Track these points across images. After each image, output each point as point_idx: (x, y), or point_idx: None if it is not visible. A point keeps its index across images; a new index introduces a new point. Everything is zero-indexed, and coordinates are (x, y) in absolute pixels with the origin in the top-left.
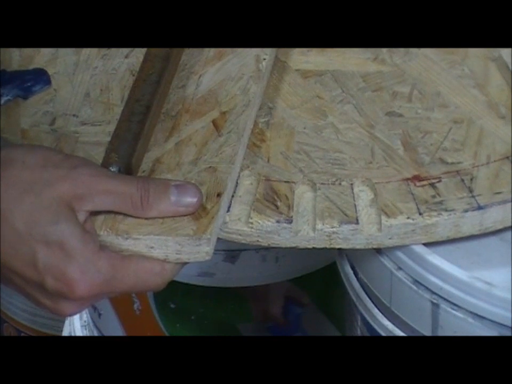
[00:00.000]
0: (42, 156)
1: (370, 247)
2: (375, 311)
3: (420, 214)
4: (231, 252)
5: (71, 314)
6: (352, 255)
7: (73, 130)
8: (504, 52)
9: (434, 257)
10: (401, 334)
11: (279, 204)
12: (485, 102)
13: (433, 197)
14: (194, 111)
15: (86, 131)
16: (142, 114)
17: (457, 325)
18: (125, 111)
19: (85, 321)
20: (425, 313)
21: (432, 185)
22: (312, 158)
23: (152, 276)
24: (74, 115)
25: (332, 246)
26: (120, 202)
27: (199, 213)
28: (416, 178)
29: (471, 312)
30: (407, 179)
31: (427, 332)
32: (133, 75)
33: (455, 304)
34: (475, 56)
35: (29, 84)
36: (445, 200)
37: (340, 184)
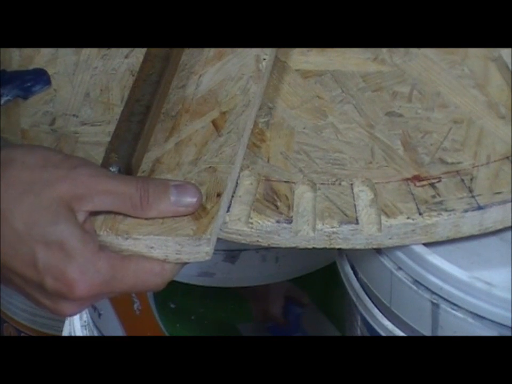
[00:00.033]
0: (42, 156)
1: (370, 247)
2: (375, 311)
3: (420, 214)
4: (231, 252)
5: (71, 315)
6: (352, 255)
7: (73, 131)
8: (504, 52)
9: (434, 257)
10: (401, 334)
11: (279, 204)
12: (485, 102)
13: (433, 197)
14: (194, 111)
15: (86, 131)
16: (142, 114)
17: (457, 325)
18: (125, 111)
19: (85, 321)
20: (425, 313)
21: (432, 185)
22: (312, 158)
23: (152, 276)
24: (74, 115)
25: (332, 246)
26: (119, 203)
27: (199, 213)
28: (416, 178)
29: (471, 312)
30: (407, 179)
31: (427, 332)
32: (133, 75)
33: (455, 304)
34: (475, 56)
35: (29, 84)
36: (445, 200)
37: (340, 184)
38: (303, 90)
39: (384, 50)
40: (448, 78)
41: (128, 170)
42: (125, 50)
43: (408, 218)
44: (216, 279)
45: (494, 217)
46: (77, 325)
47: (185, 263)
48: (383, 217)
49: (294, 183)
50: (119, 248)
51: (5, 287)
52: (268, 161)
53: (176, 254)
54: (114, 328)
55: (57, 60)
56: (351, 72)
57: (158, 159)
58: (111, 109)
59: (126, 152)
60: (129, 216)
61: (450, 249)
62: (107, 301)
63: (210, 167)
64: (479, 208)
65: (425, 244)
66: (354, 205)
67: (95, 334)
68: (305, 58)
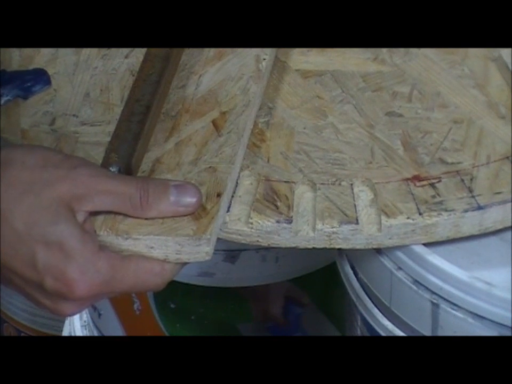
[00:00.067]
0: (42, 156)
1: (370, 247)
2: (375, 311)
3: (420, 214)
4: (231, 252)
5: (71, 315)
6: (352, 255)
7: (73, 131)
8: (504, 52)
9: (434, 257)
10: (401, 334)
11: (279, 204)
12: (485, 102)
13: (433, 197)
14: (194, 111)
15: (86, 131)
16: (142, 114)
17: (457, 325)
18: (125, 111)
19: (85, 321)
20: (425, 313)
21: (432, 185)
22: (312, 158)
23: (152, 276)
24: (74, 115)
25: (331, 246)
26: (119, 203)
27: (199, 213)
28: (416, 178)
29: (471, 312)
30: (407, 179)
31: (427, 332)
32: (133, 75)
33: (455, 304)
34: (475, 56)
35: (29, 84)
36: (444, 200)
37: (340, 184)
38: (303, 90)
39: (384, 50)
40: (448, 78)
41: (128, 170)
42: (125, 50)
43: (408, 218)
44: (216, 279)
45: (494, 217)
46: (77, 325)
47: (185, 263)
48: (383, 217)
49: (294, 183)
50: (119, 248)
51: (5, 287)
52: (268, 161)
53: (176, 254)
54: (114, 328)
55: (57, 60)
56: (351, 72)
57: (158, 159)
58: (111, 109)
59: (126, 152)
60: (129, 216)
61: (450, 249)
62: (107, 301)
63: (210, 167)
64: (479, 208)
65: (425, 244)
66: (354, 205)
67: (95, 334)
68: (305, 58)
